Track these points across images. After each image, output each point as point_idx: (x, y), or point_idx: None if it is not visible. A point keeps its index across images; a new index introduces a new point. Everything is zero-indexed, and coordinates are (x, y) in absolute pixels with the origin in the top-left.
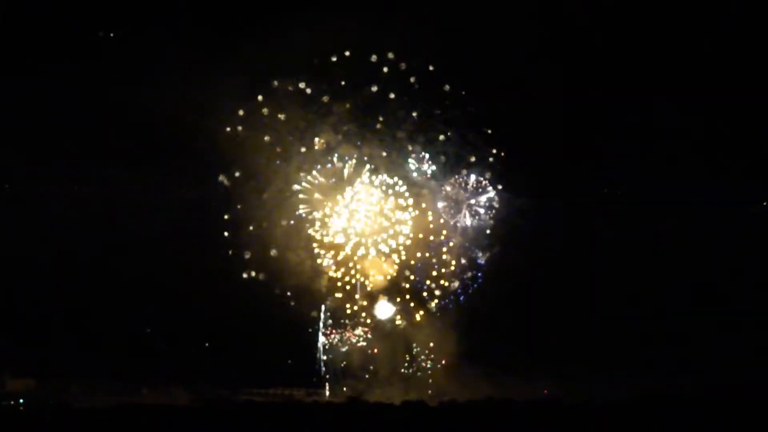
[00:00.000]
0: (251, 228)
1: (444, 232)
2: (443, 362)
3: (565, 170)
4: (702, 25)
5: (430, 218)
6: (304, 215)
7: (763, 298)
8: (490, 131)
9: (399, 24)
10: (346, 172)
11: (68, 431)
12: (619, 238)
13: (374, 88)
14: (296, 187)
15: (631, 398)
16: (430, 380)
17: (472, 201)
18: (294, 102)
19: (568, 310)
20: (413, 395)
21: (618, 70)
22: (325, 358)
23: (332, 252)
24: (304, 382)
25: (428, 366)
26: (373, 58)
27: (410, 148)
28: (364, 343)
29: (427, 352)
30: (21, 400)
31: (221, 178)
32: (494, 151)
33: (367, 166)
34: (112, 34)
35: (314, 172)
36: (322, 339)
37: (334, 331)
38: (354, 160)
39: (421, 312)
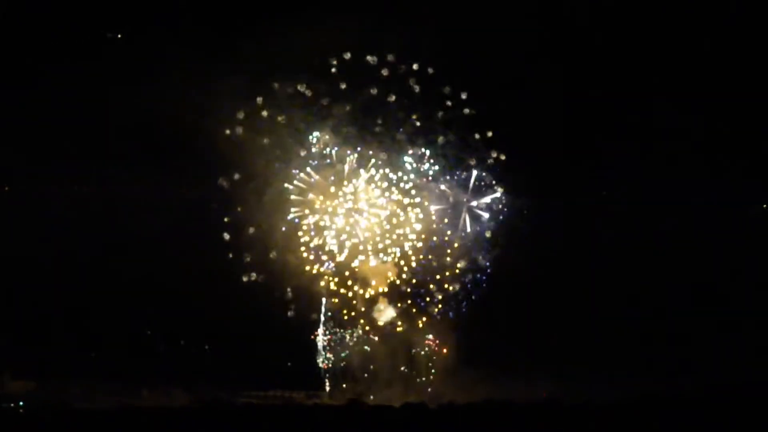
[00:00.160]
0: (251, 229)
1: (444, 233)
2: (443, 364)
3: (565, 170)
4: (702, 25)
5: (430, 220)
6: (302, 217)
7: (763, 298)
8: (490, 133)
9: (399, 25)
10: (345, 173)
11: None
12: (619, 238)
13: (374, 91)
14: (295, 186)
15: (631, 398)
16: (430, 382)
17: (473, 203)
18: (294, 103)
19: (568, 310)
20: (413, 397)
21: (618, 70)
22: (324, 360)
23: (332, 254)
24: (303, 384)
25: (428, 368)
26: (373, 59)
27: (410, 149)
28: (364, 345)
29: (426, 353)
30: (21, 402)
31: (221, 179)
32: (494, 152)
33: (367, 169)
34: (112, 35)
35: (313, 174)
36: (321, 341)
37: (334, 332)
38: (353, 162)
39: (421, 314)
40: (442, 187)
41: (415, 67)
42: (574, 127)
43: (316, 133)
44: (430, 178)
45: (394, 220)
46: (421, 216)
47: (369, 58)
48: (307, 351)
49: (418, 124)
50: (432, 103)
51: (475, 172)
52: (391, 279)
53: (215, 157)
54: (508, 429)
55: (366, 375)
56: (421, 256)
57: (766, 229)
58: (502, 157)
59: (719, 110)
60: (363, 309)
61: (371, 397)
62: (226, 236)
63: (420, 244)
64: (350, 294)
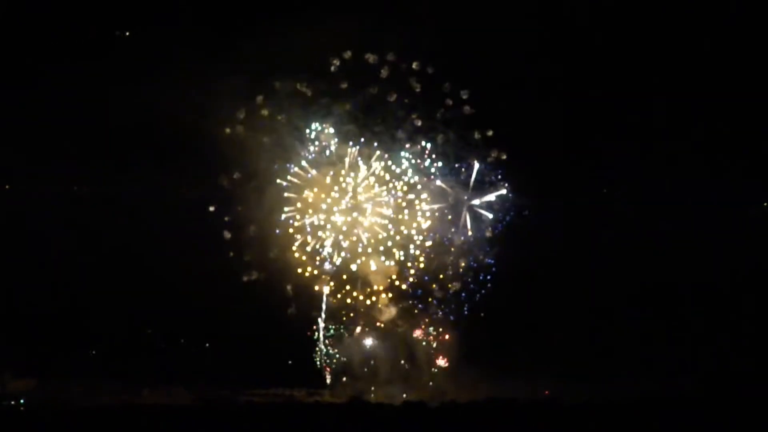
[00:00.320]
0: (252, 228)
1: (445, 232)
2: (444, 362)
3: (566, 170)
4: (702, 25)
5: (431, 219)
6: (301, 216)
7: (763, 298)
8: (490, 132)
9: (399, 24)
10: (346, 167)
11: (69, 431)
12: (619, 238)
13: (374, 90)
14: (293, 183)
15: (631, 398)
16: (431, 380)
17: (474, 201)
18: (294, 102)
19: (569, 310)
20: (414, 395)
21: (618, 70)
22: (325, 358)
23: (332, 253)
24: (305, 383)
25: (429, 366)
26: (374, 58)
27: (410, 148)
28: (365, 344)
29: (427, 352)
30: (22, 400)
31: (221, 178)
32: (495, 151)
33: (368, 165)
34: (112, 35)
35: (310, 169)
36: (323, 339)
37: (334, 331)
38: (355, 155)
39: (422, 313)
40: (443, 185)
41: (415, 66)
42: (575, 126)
43: (315, 125)
44: (432, 176)
45: (398, 217)
46: (421, 215)
47: (369, 56)
48: (308, 349)
49: (419, 123)
50: (432, 101)
51: (475, 171)
52: (392, 278)
53: (215, 157)
54: (510, 427)
55: (367, 373)
56: (422, 255)
57: (766, 229)
58: (503, 156)
59: (719, 110)
60: (364, 308)
61: (372, 395)
62: (227, 235)
63: (421, 242)
64: (351, 293)
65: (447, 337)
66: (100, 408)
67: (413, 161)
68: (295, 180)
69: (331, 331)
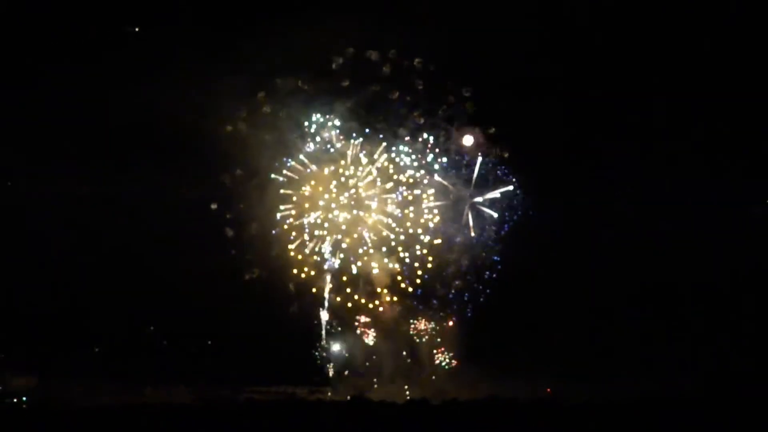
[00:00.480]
0: (254, 226)
1: (448, 230)
2: (446, 361)
3: (567, 169)
4: (702, 25)
5: (433, 217)
6: (299, 214)
7: (763, 298)
8: (493, 130)
9: (402, 23)
10: (345, 164)
11: (70, 430)
12: (619, 238)
13: (376, 87)
14: (293, 180)
15: (631, 398)
16: (433, 379)
17: (477, 199)
18: (296, 101)
19: (569, 309)
20: (416, 394)
21: (618, 70)
22: (328, 356)
23: (335, 251)
24: (307, 381)
25: (431, 365)
26: (375, 56)
27: (412, 146)
28: (367, 342)
29: (430, 351)
30: (24, 399)
31: (223, 176)
32: (498, 150)
33: (370, 166)
34: (113, 34)
35: (314, 169)
36: (325, 338)
37: (337, 329)
38: (358, 148)
39: (424, 311)
40: (444, 182)
41: (417, 63)
42: (575, 126)
43: (317, 116)
44: (434, 173)
45: (405, 214)
46: (428, 211)
47: (372, 54)
48: (310, 348)
49: (421, 121)
50: (435, 100)
51: (477, 168)
52: (395, 276)
53: (215, 155)
54: (511, 426)
55: (369, 371)
56: (426, 253)
57: (767, 229)
58: (505, 155)
59: (719, 110)
60: (366, 306)
61: (374, 392)
62: (230, 233)
63: (423, 241)
64: (353, 291)
65: (449, 335)
66: (101, 407)
67: (415, 157)
68: (295, 175)
69: (333, 329)
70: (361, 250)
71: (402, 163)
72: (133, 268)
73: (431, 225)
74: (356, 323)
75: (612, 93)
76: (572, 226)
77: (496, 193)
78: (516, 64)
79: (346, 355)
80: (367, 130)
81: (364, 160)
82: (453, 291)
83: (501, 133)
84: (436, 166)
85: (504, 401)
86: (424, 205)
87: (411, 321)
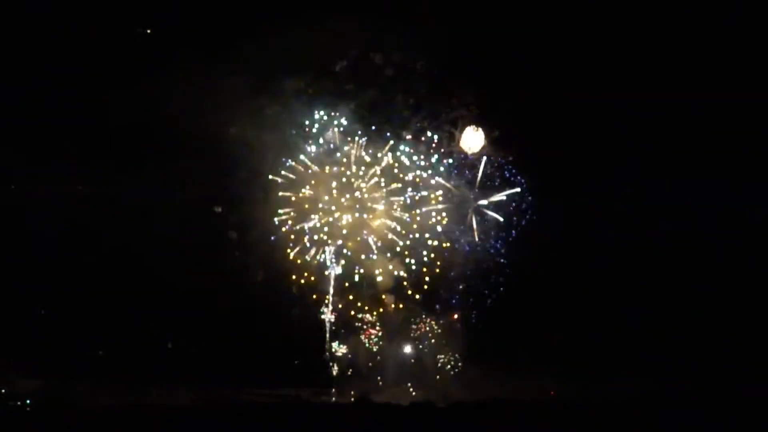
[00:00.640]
0: (257, 228)
1: (452, 233)
2: (451, 363)
3: (567, 170)
4: (702, 25)
5: (442, 219)
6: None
7: (763, 298)
8: (498, 132)
9: (404, 24)
10: (349, 172)
11: (74, 431)
12: (619, 238)
13: (378, 89)
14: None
15: (631, 398)
16: (438, 380)
17: (481, 201)
18: (299, 102)
19: (569, 309)
20: (420, 396)
21: (618, 69)
22: (332, 358)
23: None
24: (311, 383)
25: (435, 367)
26: (378, 58)
27: (414, 148)
28: (372, 344)
29: (434, 352)
30: (27, 401)
31: (225, 178)
32: (503, 152)
33: (372, 168)
34: (114, 34)
35: (316, 169)
36: (329, 339)
37: (341, 331)
38: (361, 146)
39: (428, 314)
40: (448, 185)
41: (419, 65)
42: (575, 126)
43: (320, 113)
44: (438, 177)
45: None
46: (436, 213)
47: (375, 56)
48: (314, 349)
49: (424, 123)
50: (437, 101)
51: (481, 171)
52: (401, 279)
53: (221, 157)
54: (516, 428)
55: (373, 373)
56: (432, 256)
57: (767, 229)
58: (510, 157)
59: (719, 110)
60: (370, 308)
61: (379, 394)
62: (233, 235)
63: (426, 243)
64: (357, 293)
65: (453, 337)
66: (105, 408)
67: (418, 158)
68: (296, 177)
69: (338, 331)
70: (366, 256)
71: (407, 163)
72: (136, 269)
73: (439, 228)
74: (360, 325)
75: (616, 93)
76: (574, 227)
77: (501, 196)
78: (521, 65)
79: (351, 356)
80: (370, 134)
81: (367, 165)
82: (457, 294)
83: (506, 135)
84: (441, 168)
85: (508, 403)
86: (429, 208)
87: (415, 323)
